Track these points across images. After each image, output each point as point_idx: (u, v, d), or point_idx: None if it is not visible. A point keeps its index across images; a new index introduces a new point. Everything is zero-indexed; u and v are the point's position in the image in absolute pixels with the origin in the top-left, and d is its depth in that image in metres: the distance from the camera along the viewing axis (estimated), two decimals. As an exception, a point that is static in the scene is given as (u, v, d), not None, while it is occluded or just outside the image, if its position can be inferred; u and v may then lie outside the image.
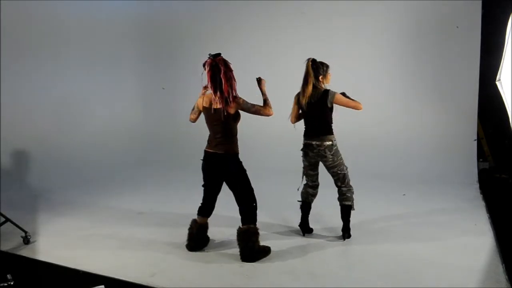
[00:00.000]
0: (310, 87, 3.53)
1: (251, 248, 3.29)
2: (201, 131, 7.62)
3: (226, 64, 3.17)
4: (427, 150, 6.10)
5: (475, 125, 5.91)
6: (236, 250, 3.37)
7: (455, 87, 5.99)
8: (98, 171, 6.35)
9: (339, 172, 3.61)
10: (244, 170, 3.36)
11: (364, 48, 6.39)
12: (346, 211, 3.68)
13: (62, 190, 5.56)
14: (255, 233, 3.32)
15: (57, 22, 6.28)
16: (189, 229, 3.55)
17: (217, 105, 3.23)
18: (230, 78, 3.17)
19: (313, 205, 3.86)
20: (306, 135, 3.66)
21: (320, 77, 3.56)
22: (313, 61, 3.56)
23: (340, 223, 3.74)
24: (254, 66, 6.92)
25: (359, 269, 3.15)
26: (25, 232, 3.75)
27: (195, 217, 3.58)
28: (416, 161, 6.05)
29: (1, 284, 2.86)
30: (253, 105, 3.30)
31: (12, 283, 2.88)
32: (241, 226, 3.35)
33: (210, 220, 3.63)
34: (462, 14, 5.83)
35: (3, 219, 3.79)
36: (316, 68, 3.54)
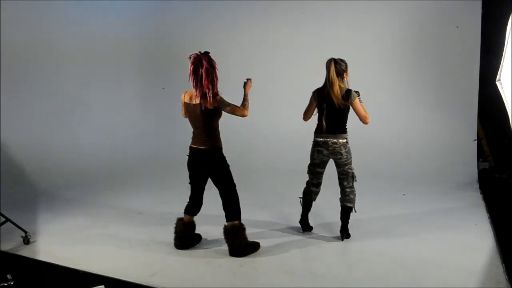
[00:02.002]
0: (337, 88, 3.47)
1: (238, 245, 3.36)
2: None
3: (210, 61, 3.23)
4: (427, 150, 6.10)
5: (475, 125, 5.90)
6: (236, 250, 3.37)
7: (455, 87, 5.98)
8: (98, 171, 6.34)
9: (349, 170, 3.63)
10: (227, 166, 3.42)
11: (364, 48, 6.38)
12: (346, 212, 3.69)
13: (62, 190, 5.55)
14: (240, 229, 3.40)
15: (58, 25, 6.29)
16: (175, 227, 3.60)
17: (196, 100, 3.29)
18: (210, 75, 3.22)
19: (314, 204, 3.86)
20: (321, 132, 3.61)
21: (344, 74, 3.55)
22: (335, 61, 3.52)
23: (340, 223, 3.75)
24: (253, 66, 6.94)
25: (359, 269, 3.15)
26: (25, 232, 3.75)
27: (196, 216, 3.59)
28: (416, 161, 6.05)
29: (1, 284, 2.86)
30: (229, 104, 3.31)
31: (12, 283, 2.88)
32: (226, 223, 3.43)
33: (210, 220, 3.63)
34: (462, 14, 5.82)
35: (3, 219, 3.79)
36: (340, 68, 3.51)
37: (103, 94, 7.02)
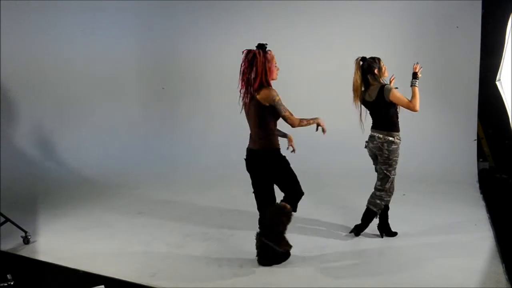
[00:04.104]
0: (356, 87, 3.52)
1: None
2: (201, 131, 7.59)
3: (253, 56, 3.06)
4: (427, 150, 6.09)
5: (475, 125, 5.90)
6: (235, 250, 3.37)
7: (455, 87, 5.98)
8: (98, 171, 6.35)
9: (385, 171, 3.56)
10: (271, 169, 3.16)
11: (364, 48, 6.33)
12: (368, 214, 3.64)
13: (62, 190, 5.55)
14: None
15: (59, 32, 6.32)
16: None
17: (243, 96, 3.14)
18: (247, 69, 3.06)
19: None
20: (372, 127, 3.63)
21: (376, 70, 3.52)
22: (363, 59, 3.54)
23: (341, 223, 3.74)
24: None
25: (358, 269, 3.14)
26: (25, 232, 3.75)
27: (197, 216, 3.58)
28: (416, 161, 6.04)
29: (1, 284, 2.86)
30: (285, 112, 3.07)
31: (12, 283, 2.88)
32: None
33: (208, 220, 3.62)
34: (462, 14, 5.82)
35: (3, 219, 3.79)
36: (369, 65, 3.52)
37: (103, 95, 7.03)
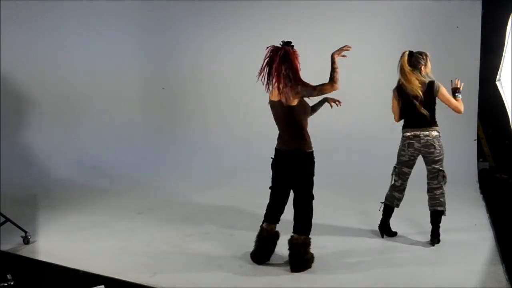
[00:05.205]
0: (414, 80, 3.45)
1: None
2: (201, 131, 7.59)
3: (285, 54, 3.00)
4: (427, 150, 6.09)
5: (475, 125, 5.90)
6: (235, 250, 3.37)
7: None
8: (98, 170, 6.35)
9: (441, 168, 3.54)
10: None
11: (363, 48, 6.36)
12: (437, 216, 3.56)
13: (62, 189, 5.55)
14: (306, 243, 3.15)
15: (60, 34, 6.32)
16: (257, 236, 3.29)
17: (278, 97, 3.00)
18: (284, 68, 2.97)
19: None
20: (410, 126, 3.56)
21: (422, 67, 3.50)
22: (410, 53, 3.50)
23: (340, 223, 3.74)
24: (255, 69, 6.92)
25: (358, 269, 3.14)
26: (25, 232, 3.75)
27: (197, 216, 3.58)
28: (416, 161, 6.04)
29: (1, 284, 2.86)
30: (314, 87, 2.97)
31: (12, 283, 2.88)
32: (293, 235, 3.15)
33: (208, 220, 3.61)
34: (462, 14, 5.82)
35: (3, 219, 3.79)
36: (416, 60, 3.49)
37: (103, 95, 7.03)
